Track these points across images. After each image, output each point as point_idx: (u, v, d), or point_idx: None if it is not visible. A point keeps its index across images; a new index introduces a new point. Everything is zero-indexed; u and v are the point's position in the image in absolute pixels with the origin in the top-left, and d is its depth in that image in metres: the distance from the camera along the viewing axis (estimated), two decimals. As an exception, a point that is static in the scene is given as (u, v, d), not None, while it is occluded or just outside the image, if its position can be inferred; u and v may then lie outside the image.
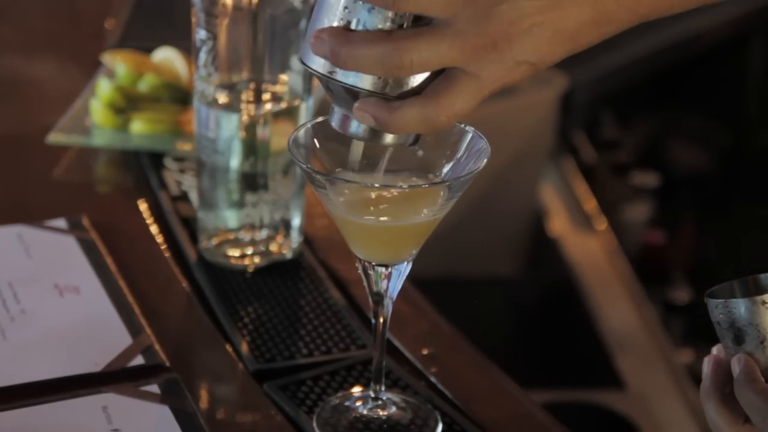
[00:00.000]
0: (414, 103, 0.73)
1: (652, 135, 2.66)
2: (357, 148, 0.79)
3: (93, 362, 0.92)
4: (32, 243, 1.08)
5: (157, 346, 0.93)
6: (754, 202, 2.74)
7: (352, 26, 0.70)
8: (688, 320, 2.30)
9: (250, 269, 1.02)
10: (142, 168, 1.21)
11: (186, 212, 1.12)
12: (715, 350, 0.85)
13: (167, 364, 0.91)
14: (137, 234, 1.10)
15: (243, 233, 1.03)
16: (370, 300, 0.85)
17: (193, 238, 1.07)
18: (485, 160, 0.80)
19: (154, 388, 0.90)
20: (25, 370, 0.92)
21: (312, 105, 1.01)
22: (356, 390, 0.92)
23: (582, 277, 1.85)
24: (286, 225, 1.03)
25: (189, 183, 1.15)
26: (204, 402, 0.91)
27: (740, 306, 0.79)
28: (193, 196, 1.12)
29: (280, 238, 1.04)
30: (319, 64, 0.72)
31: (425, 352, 0.96)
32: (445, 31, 0.71)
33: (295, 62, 0.98)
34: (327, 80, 0.72)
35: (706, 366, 0.84)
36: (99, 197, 1.22)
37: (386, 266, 0.84)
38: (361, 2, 0.70)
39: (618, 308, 1.89)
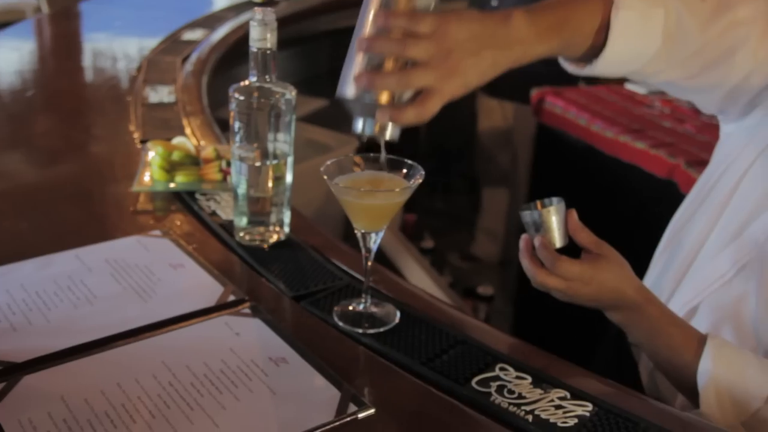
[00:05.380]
0: (412, 107, 1.07)
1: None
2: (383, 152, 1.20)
3: (207, 301, 1.35)
4: (149, 245, 1.57)
5: (236, 289, 1.41)
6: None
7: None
8: (434, 258, 3.23)
9: (266, 246, 1.65)
10: (184, 200, 1.82)
11: (218, 221, 1.72)
12: (522, 242, 1.24)
13: (247, 298, 1.38)
14: (196, 233, 1.67)
15: (259, 228, 1.67)
16: (363, 250, 1.30)
17: (228, 233, 1.67)
18: (422, 172, 1.22)
19: (247, 311, 1.33)
20: (160, 312, 1.31)
21: (293, 158, 1.64)
22: (353, 299, 1.40)
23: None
24: (281, 221, 1.67)
25: (214, 207, 1.78)
26: (276, 315, 1.33)
27: (538, 213, 1.23)
28: (221, 212, 1.76)
29: (277, 228, 1.67)
30: (352, 92, 1.10)
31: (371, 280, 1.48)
32: (426, 67, 1.07)
33: (283, 135, 1.62)
34: (361, 100, 1.09)
35: (524, 252, 1.23)
36: (165, 218, 1.74)
37: (375, 233, 1.26)
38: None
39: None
